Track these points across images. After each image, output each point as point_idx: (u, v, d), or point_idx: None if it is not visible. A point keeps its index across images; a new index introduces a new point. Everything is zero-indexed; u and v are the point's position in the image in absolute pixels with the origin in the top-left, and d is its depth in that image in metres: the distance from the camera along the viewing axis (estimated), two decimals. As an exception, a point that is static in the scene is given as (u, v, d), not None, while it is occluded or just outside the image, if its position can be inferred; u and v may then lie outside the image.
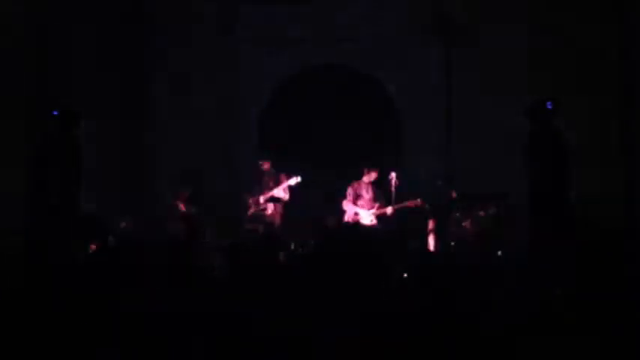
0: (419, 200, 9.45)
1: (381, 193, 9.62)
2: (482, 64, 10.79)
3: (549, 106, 7.31)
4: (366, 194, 9.61)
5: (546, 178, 7.22)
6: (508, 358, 3.44)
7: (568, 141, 7.36)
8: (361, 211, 9.53)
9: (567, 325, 3.62)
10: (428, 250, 8.91)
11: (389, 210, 9.38)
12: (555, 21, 10.51)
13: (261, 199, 9.29)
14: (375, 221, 9.44)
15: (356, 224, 9.10)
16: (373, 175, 9.61)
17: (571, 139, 7.46)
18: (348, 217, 9.59)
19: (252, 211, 9.32)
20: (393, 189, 9.28)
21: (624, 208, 10.02)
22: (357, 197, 9.62)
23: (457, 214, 9.45)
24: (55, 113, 7.75)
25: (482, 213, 9.47)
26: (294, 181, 9.30)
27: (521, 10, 10.71)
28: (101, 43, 10.59)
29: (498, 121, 10.35)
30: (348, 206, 9.61)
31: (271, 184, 9.38)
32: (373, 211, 9.51)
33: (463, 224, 9.45)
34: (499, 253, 8.53)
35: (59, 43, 9.91)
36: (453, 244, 9.36)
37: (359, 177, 9.69)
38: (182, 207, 9.72)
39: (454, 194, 9.61)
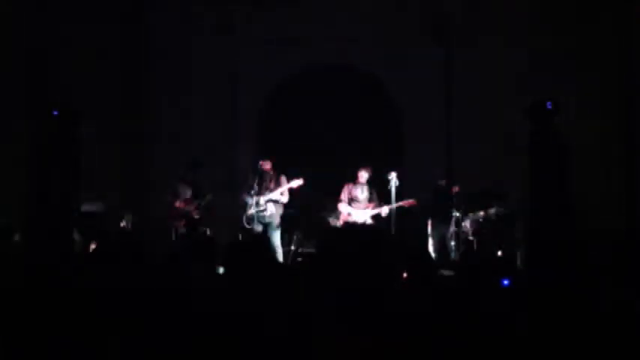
0: (413, 200, 9.45)
1: (377, 192, 9.59)
2: (482, 64, 10.79)
3: (549, 106, 7.32)
4: (361, 194, 9.59)
5: (546, 178, 7.23)
6: (508, 357, 3.44)
7: (568, 141, 7.37)
8: (355, 211, 9.50)
9: (567, 324, 3.62)
10: (428, 250, 8.90)
11: (384, 210, 9.36)
12: (555, 21, 10.50)
13: (262, 200, 9.27)
14: (370, 221, 9.42)
15: (357, 224, 9.09)
16: (365, 175, 9.57)
17: (571, 139, 7.47)
18: (342, 218, 9.57)
19: (251, 211, 9.30)
20: (392, 189, 9.26)
21: (624, 208, 10.02)
22: (352, 198, 9.60)
23: (457, 214, 9.44)
24: (55, 113, 7.75)
25: (482, 213, 9.47)
26: (296, 183, 9.28)
27: (521, 10, 10.70)
28: (101, 43, 10.59)
29: (498, 121, 10.36)
30: (342, 207, 9.59)
31: (272, 185, 9.36)
32: (368, 211, 9.48)
33: (463, 224, 9.45)
34: (499, 253, 8.54)
35: (59, 43, 9.92)
36: (453, 243, 9.36)
37: (355, 177, 9.67)
38: (180, 205, 9.70)
39: (456, 189, 9.60)
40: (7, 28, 9.26)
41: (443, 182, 9.87)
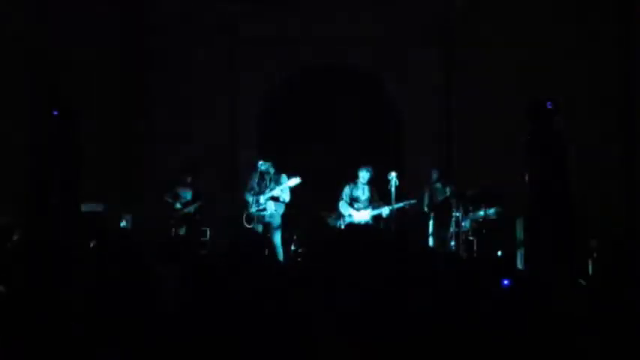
0: (414, 201, 9.44)
1: (378, 193, 9.56)
2: (482, 64, 10.78)
3: (549, 106, 7.31)
4: (362, 195, 9.55)
5: (546, 178, 7.22)
6: (508, 357, 3.44)
7: (568, 141, 7.36)
8: (356, 211, 9.48)
9: (567, 324, 3.62)
10: (428, 250, 8.88)
11: (385, 211, 9.33)
12: (555, 21, 10.50)
13: (262, 199, 9.26)
14: (370, 222, 9.39)
15: (357, 224, 9.08)
16: (366, 175, 9.52)
17: (571, 139, 7.46)
18: (342, 219, 9.54)
19: (251, 211, 9.29)
20: (392, 189, 9.24)
21: (624, 209, 10.01)
22: (352, 198, 9.56)
23: (457, 214, 9.44)
24: (55, 113, 7.75)
25: (482, 213, 9.46)
26: (294, 182, 9.26)
27: (521, 10, 10.69)
28: (101, 43, 10.59)
29: (498, 121, 10.35)
30: (343, 207, 9.56)
31: (272, 184, 9.36)
32: (369, 211, 9.46)
33: (463, 224, 9.44)
34: (499, 253, 8.54)
35: (59, 44, 9.92)
36: (453, 244, 9.36)
37: (356, 177, 9.63)
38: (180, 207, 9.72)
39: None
40: (7, 28, 9.25)
41: (442, 182, 9.87)
